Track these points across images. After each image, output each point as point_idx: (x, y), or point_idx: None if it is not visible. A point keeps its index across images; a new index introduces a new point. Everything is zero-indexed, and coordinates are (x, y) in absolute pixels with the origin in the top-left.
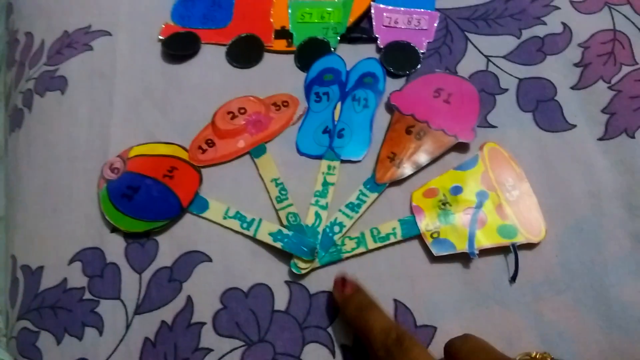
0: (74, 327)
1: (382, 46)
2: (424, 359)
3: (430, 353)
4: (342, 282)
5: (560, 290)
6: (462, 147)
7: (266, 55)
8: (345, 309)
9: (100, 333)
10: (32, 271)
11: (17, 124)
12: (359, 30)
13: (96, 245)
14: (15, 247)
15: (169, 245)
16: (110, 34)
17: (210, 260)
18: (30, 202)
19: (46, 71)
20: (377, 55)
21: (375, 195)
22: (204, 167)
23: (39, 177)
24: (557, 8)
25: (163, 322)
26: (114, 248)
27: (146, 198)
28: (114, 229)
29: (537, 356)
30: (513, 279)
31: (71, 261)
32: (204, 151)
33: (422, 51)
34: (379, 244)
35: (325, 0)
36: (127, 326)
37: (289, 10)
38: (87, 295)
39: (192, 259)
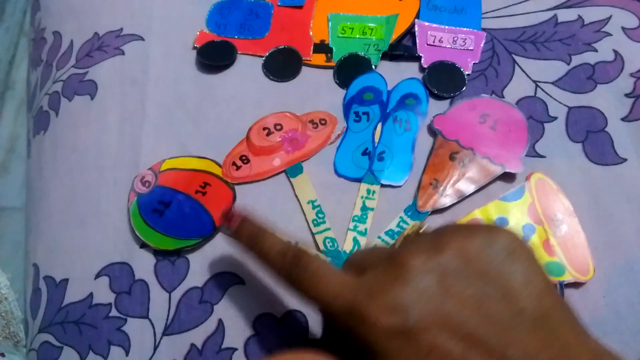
0: (99, 345)
1: (425, 66)
2: (325, 271)
3: (331, 264)
4: (226, 216)
5: (607, 332)
6: (508, 177)
7: (304, 69)
8: (239, 244)
9: (127, 353)
10: (56, 283)
11: (43, 127)
12: (402, 48)
13: (124, 260)
14: (37, 256)
15: (201, 265)
16: (142, 39)
17: (243, 283)
18: (56, 211)
19: (75, 74)
20: (419, 75)
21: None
22: (237, 184)
23: (66, 185)
24: (609, 34)
25: (193, 345)
26: (143, 264)
27: (178, 214)
28: (143, 244)
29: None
30: None
31: (98, 275)
32: (238, 168)
33: (467, 73)
34: None
35: (368, 15)
36: (155, 347)
37: (329, 24)
38: (114, 312)
39: (224, 281)
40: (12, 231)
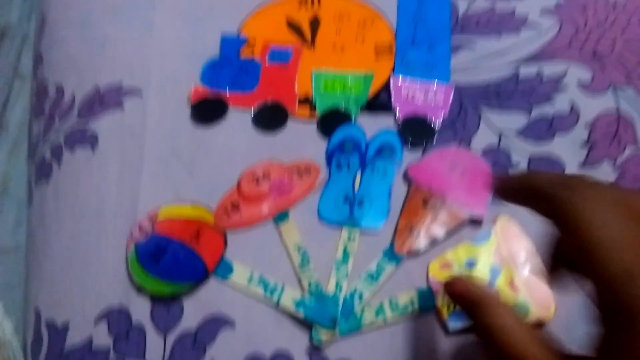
0: None
1: (400, 119)
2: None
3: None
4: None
5: None
6: (476, 221)
7: (290, 122)
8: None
9: None
10: (57, 329)
11: (45, 176)
12: (379, 102)
13: (122, 304)
14: (39, 300)
15: (194, 308)
16: (140, 93)
17: (233, 324)
18: (58, 256)
19: (77, 127)
20: (395, 127)
21: (394, 265)
22: (228, 230)
23: (68, 232)
24: (565, 89)
25: None
26: (140, 308)
27: (173, 261)
28: (140, 289)
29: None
30: None
31: (97, 319)
32: (229, 215)
33: (437, 124)
34: (397, 315)
35: (348, 73)
36: None
37: (313, 81)
38: (112, 355)
39: (216, 323)
40: (3, 272)
